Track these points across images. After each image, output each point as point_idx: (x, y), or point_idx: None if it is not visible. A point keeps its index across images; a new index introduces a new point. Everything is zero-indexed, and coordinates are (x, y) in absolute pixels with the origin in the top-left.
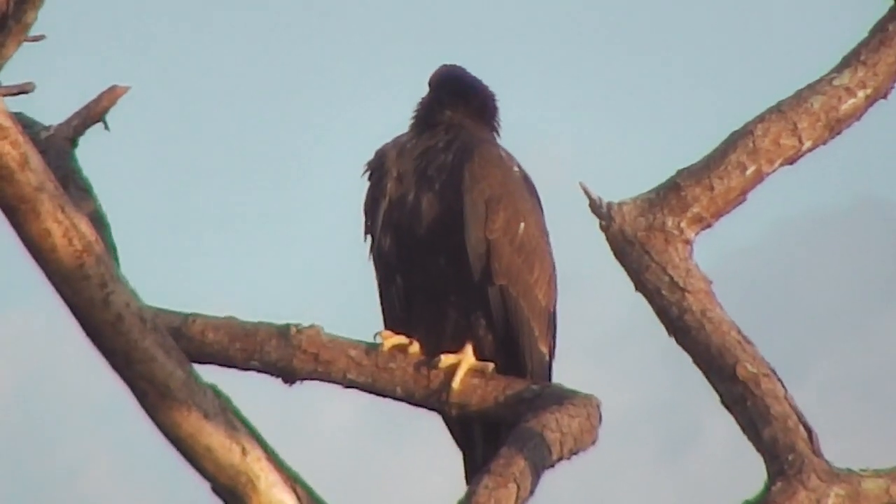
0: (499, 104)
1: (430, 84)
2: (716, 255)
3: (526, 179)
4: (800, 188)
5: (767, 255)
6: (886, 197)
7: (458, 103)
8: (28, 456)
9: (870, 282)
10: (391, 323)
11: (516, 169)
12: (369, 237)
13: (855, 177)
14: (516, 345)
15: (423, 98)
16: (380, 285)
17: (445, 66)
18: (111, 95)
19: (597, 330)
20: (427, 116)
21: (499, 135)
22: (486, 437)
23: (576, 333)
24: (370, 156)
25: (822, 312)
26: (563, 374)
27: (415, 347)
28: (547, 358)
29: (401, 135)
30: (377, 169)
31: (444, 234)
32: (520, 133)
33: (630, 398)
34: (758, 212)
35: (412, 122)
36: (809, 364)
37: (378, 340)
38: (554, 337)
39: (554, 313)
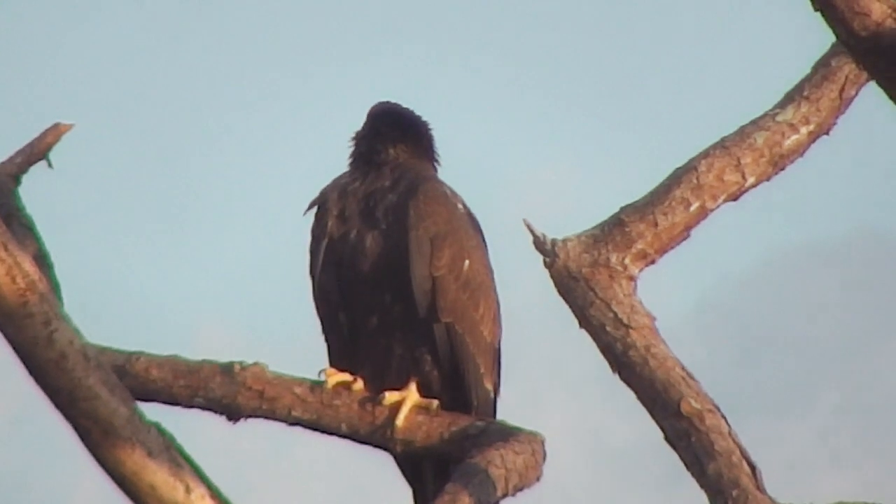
0: (433, 135)
1: (368, 118)
2: (709, 284)
3: (470, 216)
4: (796, 219)
5: (761, 285)
6: (884, 227)
7: (397, 139)
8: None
9: (867, 312)
10: (335, 360)
11: (461, 206)
12: (310, 276)
13: (851, 207)
14: (462, 381)
15: (359, 132)
16: (322, 323)
17: (382, 102)
18: (55, 132)
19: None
20: (368, 154)
21: (439, 165)
22: (435, 474)
23: (582, 365)
24: (310, 194)
25: (818, 342)
26: (569, 404)
27: (359, 384)
28: (492, 394)
29: (342, 174)
30: (320, 208)
31: (389, 271)
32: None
33: (633, 429)
34: (753, 242)
35: (352, 159)
36: (813, 393)
37: (322, 378)
38: (499, 373)
39: (499, 349)
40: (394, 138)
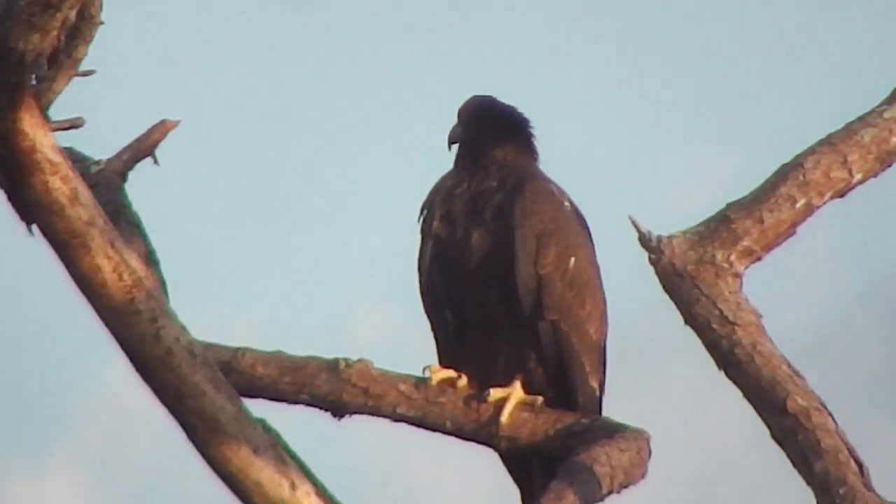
0: (533, 129)
1: (464, 117)
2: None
3: (577, 214)
4: None
5: None
6: None
7: (501, 139)
8: None
9: None
10: (443, 358)
11: (567, 204)
12: (418, 274)
13: None
14: (567, 379)
15: (461, 131)
16: (430, 320)
17: (477, 97)
18: (161, 129)
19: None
20: (474, 156)
21: (538, 160)
22: (542, 472)
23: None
24: (414, 190)
25: None
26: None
27: (463, 381)
28: (598, 392)
29: (447, 174)
30: (428, 210)
31: (495, 269)
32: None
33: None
34: None
35: (458, 160)
36: None
37: (427, 375)
38: (604, 372)
39: (605, 348)
40: (498, 138)
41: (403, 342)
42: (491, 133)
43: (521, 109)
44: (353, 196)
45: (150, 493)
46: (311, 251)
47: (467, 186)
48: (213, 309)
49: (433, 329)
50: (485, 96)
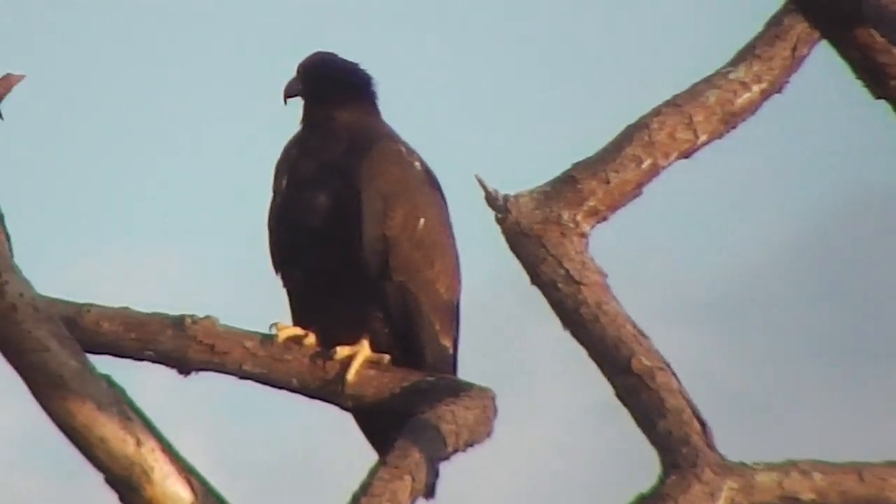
0: (376, 85)
1: (303, 72)
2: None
3: (428, 173)
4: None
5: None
6: None
7: (345, 99)
8: None
9: None
10: (294, 316)
11: (417, 164)
12: (268, 232)
13: None
14: (416, 339)
15: (297, 86)
16: (281, 279)
17: (319, 53)
18: (6, 83)
19: None
20: (318, 117)
21: (382, 118)
22: (394, 430)
23: None
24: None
25: None
26: None
27: (311, 339)
28: (450, 350)
29: (296, 135)
30: (277, 170)
31: (342, 231)
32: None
33: None
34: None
35: (304, 120)
36: None
37: (273, 332)
38: (458, 329)
39: (458, 306)
40: (342, 98)
41: (256, 302)
42: (334, 91)
43: (363, 66)
44: (200, 154)
45: None
46: (155, 210)
47: (315, 148)
48: (57, 263)
49: (284, 287)
50: (326, 52)
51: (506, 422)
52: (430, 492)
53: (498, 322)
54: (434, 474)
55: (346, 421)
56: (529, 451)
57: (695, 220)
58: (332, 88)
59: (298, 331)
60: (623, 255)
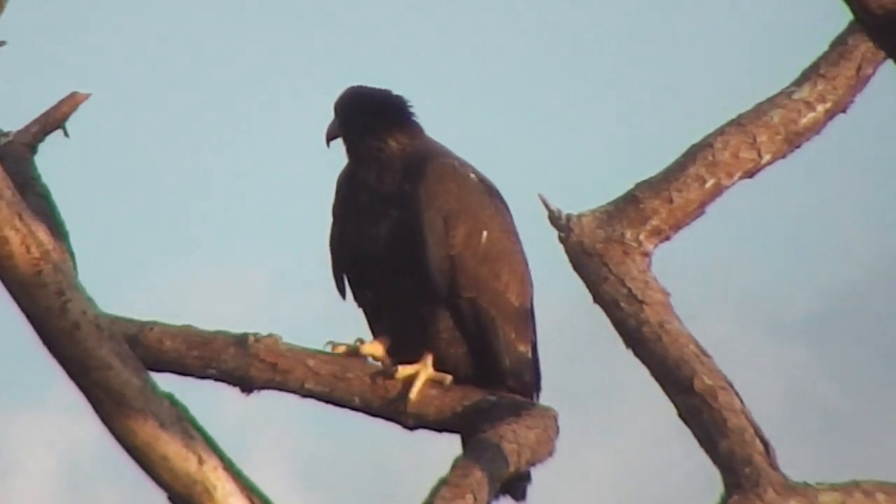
0: (412, 107)
1: (340, 111)
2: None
3: (484, 183)
4: None
5: None
6: None
7: (386, 127)
8: None
9: None
10: (374, 333)
11: (472, 176)
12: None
13: None
14: (490, 350)
15: (336, 127)
16: (354, 299)
17: (350, 88)
18: (71, 102)
19: None
20: (362, 148)
21: (423, 132)
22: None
23: None
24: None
25: None
26: None
27: (379, 351)
28: (529, 355)
29: (346, 168)
30: (334, 207)
31: (406, 258)
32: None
33: None
34: None
35: (349, 153)
36: None
37: (328, 349)
38: (534, 331)
39: (530, 309)
40: (384, 127)
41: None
42: (375, 122)
43: (394, 90)
44: (269, 171)
45: None
46: (225, 228)
47: (371, 181)
48: (121, 283)
49: (359, 307)
50: (357, 86)
51: (591, 436)
52: (521, 495)
53: (583, 340)
54: (527, 477)
55: (417, 437)
56: (612, 465)
57: (790, 238)
58: (372, 120)
59: (379, 349)
60: (719, 274)
